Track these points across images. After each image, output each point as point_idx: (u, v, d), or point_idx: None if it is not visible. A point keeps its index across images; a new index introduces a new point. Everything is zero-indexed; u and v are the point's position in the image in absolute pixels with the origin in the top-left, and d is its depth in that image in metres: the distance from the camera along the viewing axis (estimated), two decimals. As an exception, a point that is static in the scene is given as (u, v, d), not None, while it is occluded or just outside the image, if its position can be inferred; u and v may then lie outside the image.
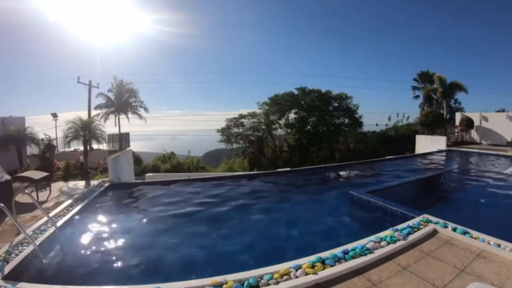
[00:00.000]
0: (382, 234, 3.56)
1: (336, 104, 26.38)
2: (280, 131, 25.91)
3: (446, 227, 3.74)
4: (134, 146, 18.36)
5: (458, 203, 6.21)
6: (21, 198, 5.43)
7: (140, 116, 23.18)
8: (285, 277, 2.66)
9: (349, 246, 3.21)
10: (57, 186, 8.17)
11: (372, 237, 3.43)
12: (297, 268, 2.76)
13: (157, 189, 7.28)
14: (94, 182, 8.14)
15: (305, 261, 2.89)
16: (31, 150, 13.04)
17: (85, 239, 4.35)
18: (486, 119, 17.39)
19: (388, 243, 3.30)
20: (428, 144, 14.83)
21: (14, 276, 2.93)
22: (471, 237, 3.43)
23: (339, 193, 6.81)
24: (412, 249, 3.25)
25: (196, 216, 5.47)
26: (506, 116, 16.61)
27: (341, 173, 8.63)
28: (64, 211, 5.23)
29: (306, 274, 2.70)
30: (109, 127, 19.99)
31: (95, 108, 21.51)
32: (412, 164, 11.19)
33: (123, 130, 20.62)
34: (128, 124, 22.93)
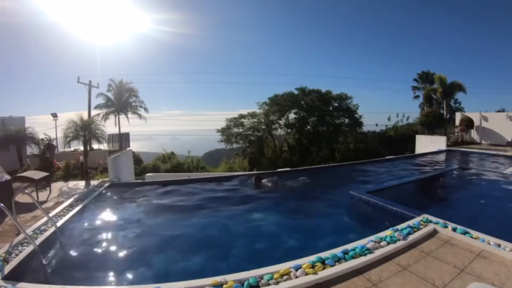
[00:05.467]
0: (382, 234, 3.55)
1: (336, 104, 26.37)
2: (280, 131, 25.90)
3: (446, 227, 3.74)
4: (134, 146, 18.38)
5: (458, 203, 6.21)
6: (21, 198, 5.43)
7: (140, 116, 23.20)
8: (285, 277, 2.66)
9: (349, 246, 3.20)
10: (57, 186, 8.16)
11: (372, 237, 3.43)
12: (297, 268, 2.76)
13: (157, 189, 7.29)
14: (94, 182, 8.14)
15: (305, 261, 2.89)
16: (31, 150, 13.02)
17: (85, 239, 4.34)
18: (486, 119, 17.38)
19: (388, 243, 3.30)
20: (428, 144, 14.84)
21: (14, 276, 2.93)
22: (471, 237, 3.43)
23: (339, 193, 6.81)
24: (412, 249, 3.25)
25: (197, 215, 5.47)
26: (506, 116, 16.60)
27: (264, 180, 7.63)
28: (64, 211, 5.23)
29: (306, 274, 2.70)
30: (109, 127, 19.94)
31: (95, 108, 21.53)
32: (412, 164, 11.19)
33: (123, 130, 20.64)
34: (128, 124, 22.95)
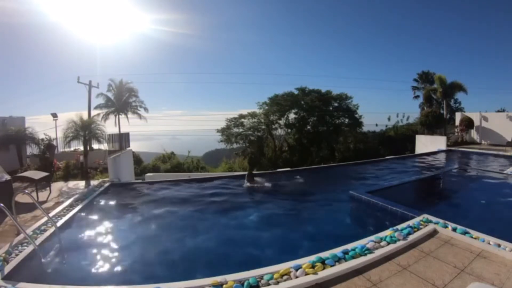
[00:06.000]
0: (382, 234, 3.55)
1: (336, 104, 26.35)
2: (280, 131, 25.86)
3: (446, 227, 3.74)
4: (134, 146, 18.35)
5: (458, 203, 6.21)
6: (21, 198, 5.43)
7: (140, 116, 23.16)
8: (285, 277, 2.66)
9: (349, 246, 3.20)
10: (57, 186, 8.16)
11: (372, 237, 3.43)
12: (297, 268, 2.76)
13: (157, 189, 7.29)
14: (94, 182, 8.14)
15: (305, 261, 2.89)
16: (31, 150, 13.02)
17: (85, 239, 4.35)
18: (486, 119, 17.38)
19: (388, 243, 3.30)
20: (428, 144, 14.84)
21: (14, 276, 2.93)
22: (471, 237, 3.43)
23: (339, 193, 6.81)
24: (412, 249, 3.25)
25: (197, 214, 5.48)
26: (506, 116, 16.59)
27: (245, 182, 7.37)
28: (64, 211, 5.23)
29: (306, 274, 2.70)
30: (109, 127, 19.87)
31: (95, 108, 21.47)
32: (412, 164, 11.19)
33: (123, 130, 20.62)
34: (128, 124, 22.92)
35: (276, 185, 7.56)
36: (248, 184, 7.34)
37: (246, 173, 7.87)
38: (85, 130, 11.54)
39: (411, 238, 3.45)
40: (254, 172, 8.35)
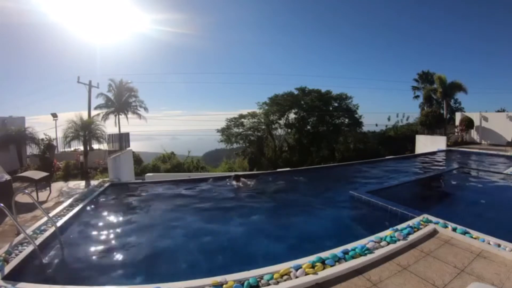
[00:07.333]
0: (382, 234, 3.55)
1: (336, 104, 26.38)
2: (280, 131, 25.92)
3: (446, 227, 3.74)
4: (134, 146, 18.38)
5: (458, 203, 6.21)
6: (21, 198, 5.43)
7: (140, 116, 23.20)
8: (285, 277, 2.66)
9: (349, 246, 3.21)
10: (57, 186, 8.15)
11: (372, 237, 3.43)
12: (297, 268, 2.76)
13: (157, 189, 7.28)
14: (94, 182, 8.14)
15: (305, 261, 2.89)
16: (31, 150, 13.02)
17: (85, 239, 4.34)
18: (486, 119, 17.39)
19: (388, 243, 3.30)
20: (428, 144, 14.84)
21: (14, 276, 2.93)
22: (471, 237, 3.43)
23: (339, 193, 6.81)
24: (412, 249, 3.25)
25: (196, 214, 5.48)
26: (506, 116, 16.60)
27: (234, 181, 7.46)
28: (64, 211, 5.22)
29: (306, 274, 2.70)
30: (109, 127, 19.90)
31: (95, 108, 21.54)
32: (412, 164, 11.19)
33: (123, 130, 20.64)
34: (128, 124, 22.94)
35: (272, 185, 7.54)
36: (236, 182, 7.30)
37: (249, 172, 7.86)
38: (85, 130, 11.55)
39: (411, 238, 3.46)
40: (243, 173, 8.32)
